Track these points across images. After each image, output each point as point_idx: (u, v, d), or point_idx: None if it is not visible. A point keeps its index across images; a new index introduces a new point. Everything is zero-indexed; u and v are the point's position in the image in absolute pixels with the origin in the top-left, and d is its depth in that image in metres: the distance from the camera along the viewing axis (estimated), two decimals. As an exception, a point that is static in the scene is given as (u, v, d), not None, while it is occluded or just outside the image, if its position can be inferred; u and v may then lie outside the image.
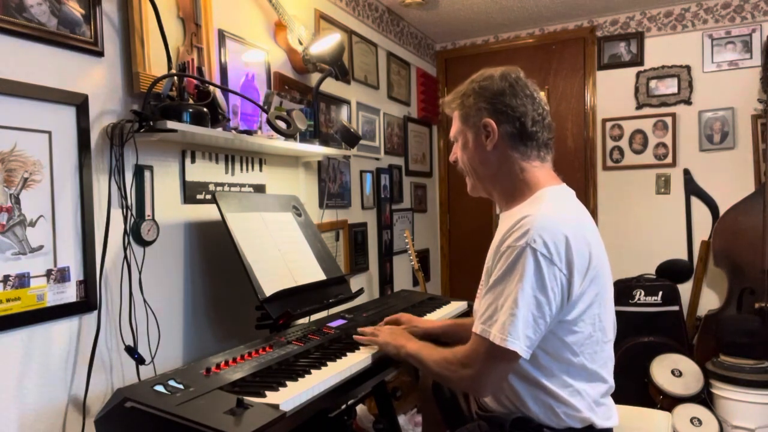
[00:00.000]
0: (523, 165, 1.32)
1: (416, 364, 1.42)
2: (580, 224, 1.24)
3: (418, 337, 1.60)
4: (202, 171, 1.89)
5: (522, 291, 1.15)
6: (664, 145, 3.46)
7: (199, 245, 1.85)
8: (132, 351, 1.54)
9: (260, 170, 2.17)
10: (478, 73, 1.37)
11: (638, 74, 3.52)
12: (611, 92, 3.60)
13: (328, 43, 2.32)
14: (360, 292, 2.08)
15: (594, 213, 3.63)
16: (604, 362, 1.29)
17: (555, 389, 1.23)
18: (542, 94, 1.36)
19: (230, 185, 2.01)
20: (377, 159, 3.18)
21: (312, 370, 1.35)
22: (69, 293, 1.45)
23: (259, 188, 2.16)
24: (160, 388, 1.15)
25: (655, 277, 3.31)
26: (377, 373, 1.53)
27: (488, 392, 1.31)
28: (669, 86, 3.45)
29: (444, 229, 4.15)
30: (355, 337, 1.60)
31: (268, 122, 1.84)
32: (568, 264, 1.17)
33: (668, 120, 3.44)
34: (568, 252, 1.17)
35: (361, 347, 1.57)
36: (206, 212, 1.88)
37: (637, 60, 3.52)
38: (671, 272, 3.32)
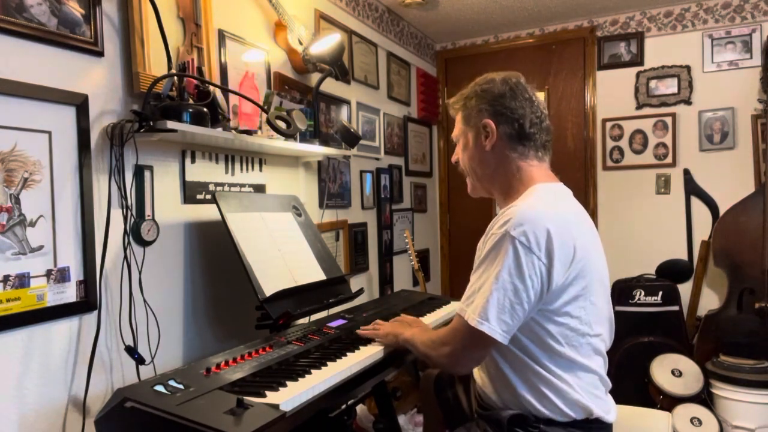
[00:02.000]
0: (520, 164, 1.37)
1: (410, 348, 1.48)
2: (566, 220, 1.26)
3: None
4: (202, 171, 1.89)
5: (499, 276, 1.19)
6: (664, 145, 3.46)
7: (199, 245, 1.85)
8: (132, 351, 1.54)
9: (260, 170, 2.17)
10: (481, 77, 1.43)
11: (638, 74, 3.52)
12: (611, 92, 3.60)
13: (328, 43, 2.32)
14: (360, 292, 2.08)
15: (594, 213, 3.63)
16: (591, 354, 1.30)
17: (547, 376, 1.25)
18: (541, 99, 1.42)
19: (230, 185, 2.01)
20: (377, 159, 3.18)
21: (312, 370, 1.35)
22: (69, 293, 1.45)
23: (259, 188, 2.16)
24: (160, 388, 1.15)
25: (655, 277, 3.31)
26: (377, 373, 1.53)
27: (463, 371, 1.36)
28: (669, 86, 3.45)
29: (444, 229, 4.15)
30: (358, 331, 1.65)
31: (268, 122, 1.84)
32: (548, 253, 1.19)
33: (668, 120, 3.44)
34: (549, 243, 1.19)
35: (361, 347, 1.57)
36: (206, 212, 1.88)
37: (637, 60, 3.52)
38: (671, 272, 3.32)
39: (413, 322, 1.69)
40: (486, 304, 1.19)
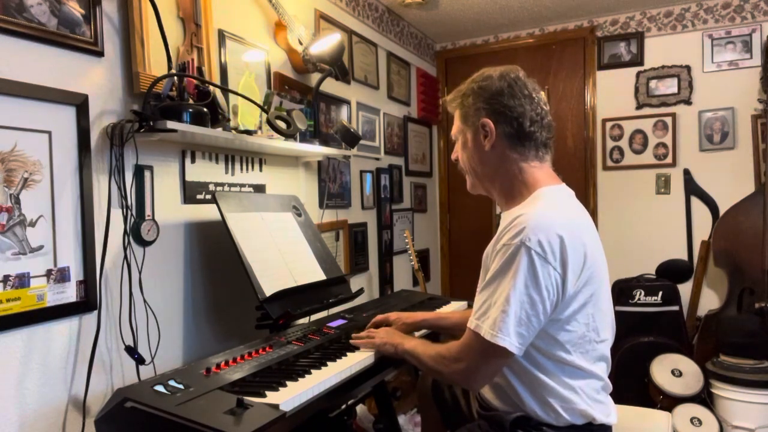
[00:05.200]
0: (521, 165, 1.33)
1: (413, 360, 1.44)
2: (575, 224, 1.25)
3: (406, 331, 1.64)
4: (202, 171, 1.89)
5: (515, 288, 1.16)
6: (664, 145, 3.46)
7: (199, 245, 1.85)
8: (132, 351, 1.54)
9: (260, 170, 2.17)
10: (478, 73, 1.38)
11: (638, 74, 3.52)
12: (611, 92, 3.60)
13: (328, 43, 2.32)
14: (360, 292, 2.08)
15: (594, 213, 3.63)
16: (596, 361, 1.29)
17: (551, 385, 1.24)
18: (542, 94, 1.37)
19: (230, 185, 2.01)
20: (377, 159, 3.18)
21: (312, 370, 1.35)
22: (69, 293, 1.45)
23: (259, 188, 2.16)
24: (160, 388, 1.15)
25: (655, 277, 3.31)
26: (377, 373, 1.53)
27: (479, 386, 1.35)
28: (669, 86, 3.45)
29: (444, 229, 4.15)
30: (351, 341, 1.60)
31: (268, 122, 1.84)
32: (563, 263, 1.17)
33: (668, 120, 3.44)
34: (563, 251, 1.17)
35: (361, 347, 1.57)
36: (206, 212, 1.88)
37: (637, 60, 3.52)
38: (671, 272, 3.32)
39: (397, 319, 1.69)
40: (505, 317, 1.16)
